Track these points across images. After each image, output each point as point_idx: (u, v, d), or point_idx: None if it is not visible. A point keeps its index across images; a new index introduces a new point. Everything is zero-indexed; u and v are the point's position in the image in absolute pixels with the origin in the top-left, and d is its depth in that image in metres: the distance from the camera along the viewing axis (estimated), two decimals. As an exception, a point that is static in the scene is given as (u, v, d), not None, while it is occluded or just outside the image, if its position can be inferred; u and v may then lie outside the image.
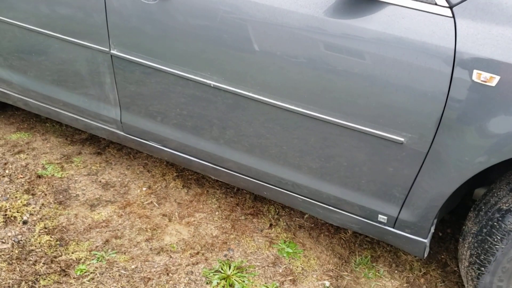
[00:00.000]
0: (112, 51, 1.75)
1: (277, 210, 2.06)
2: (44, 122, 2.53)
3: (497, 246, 1.34)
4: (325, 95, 1.44)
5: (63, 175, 2.12)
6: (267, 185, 1.78)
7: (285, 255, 1.83)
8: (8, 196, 1.96)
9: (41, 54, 1.95)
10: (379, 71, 1.33)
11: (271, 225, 1.98)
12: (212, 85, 1.61)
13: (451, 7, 1.26)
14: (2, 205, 1.90)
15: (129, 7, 1.63)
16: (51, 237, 1.78)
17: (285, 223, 1.99)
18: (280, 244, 1.88)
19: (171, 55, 1.64)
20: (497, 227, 1.34)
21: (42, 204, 1.94)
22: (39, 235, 1.78)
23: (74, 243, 1.77)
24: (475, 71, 1.24)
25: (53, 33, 1.86)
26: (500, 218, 1.34)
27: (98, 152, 2.32)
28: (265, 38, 1.45)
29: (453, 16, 1.26)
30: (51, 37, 1.87)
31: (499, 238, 1.33)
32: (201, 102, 1.69)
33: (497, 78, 1.21)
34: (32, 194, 1.99)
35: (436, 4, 1.27)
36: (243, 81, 1.55)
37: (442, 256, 1.91)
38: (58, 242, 1.77)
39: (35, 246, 1.73)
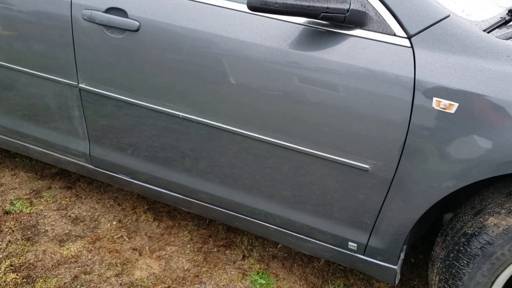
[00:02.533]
0: (80, 85, 1.75)
1: (250, 241, 2.05)
2: (13, 157, 2.49)
3: (463, 271, 1.35)
4: (293, 125, 1.46)
5: (31, 211, 2.08)
6: (240, 215, 1.77)
7: (258, 286, 1.81)
8: (-28, 234, 1.91)
9: (9, 88, 1.94)
10: (343, 101, 1.36)
11: (244, 256, 1.96)
12: (181, 116, 1.62)
13: (409, 38, 1.31)
14: (-34, 244, 1.85)
15: (97, 41, 1.65)
16: (17, 274, 1.73)
17: (258, 254, 1.98)
18: (253, 276, 1.86)
19: (140, 88, 1.64)
20: (463, 251, 1.36)
21: (9, 241, 1.89)
22: (4, 273, 1.73)
23: (41, 280, 1.72)
24: (434, 99, 1.27)
25: (20, 68, 1.85)
26: (466, 243, 1.36)
27: (68, 187, 2.28)
28: (233, 70, 1.47)
29: (412, 46, 1.30)
30: (18, 71, 1.86)
31: (465, 262, 1.35)
32: (172, 133, 1.69)
33: (456, 105, 1.25)
34: (-1, 231, 1.94)
35: (395, 35, 1.32)
36: (214, 112, 1.56)
37: (415, 282, 1.92)
38: (24, 280, 1.71)
39: (0, 285, 1.67)
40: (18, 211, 2.07)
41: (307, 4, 1.25)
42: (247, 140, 1.56)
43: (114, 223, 2.06)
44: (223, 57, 1.48)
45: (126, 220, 2.09)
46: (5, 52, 1.85)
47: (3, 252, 1.83)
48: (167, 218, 2.13)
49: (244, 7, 1.46)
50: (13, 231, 1.95)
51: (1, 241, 1.88)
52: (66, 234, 1.97)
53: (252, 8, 1.24)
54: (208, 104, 1.56)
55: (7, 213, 2.05)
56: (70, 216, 2.07)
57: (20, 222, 2.00)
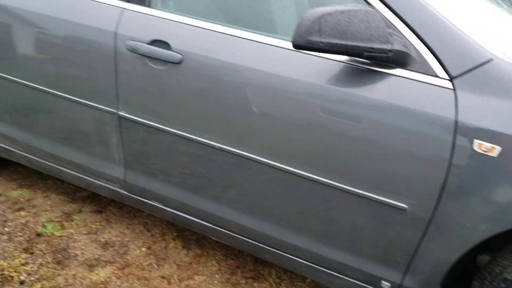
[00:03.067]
0: (120, 112, 1.79)
1: (278, 274, 2.03)
2: (45, 179, 2.54)
3: (504, 317, 1.32)
4: (327, 159, 1.47)
5: (62, 234, 2.10)
6: (269, 248, 1.77)
7: (286, 321, 1.79)
8: (6, 254, 1.93)
9: (48, 113, 1.99)
10: (382, 138, 1.37)
11: (272, 289, 1.94)
12: (217, 147, 1.64)
13: (451, 79, 1.31)
14: (0, 264, 1.87)
15: (139, 72, 1.69)
16: (47, 298, 1.75)
17: None
18: (281, 310, 1.84)
19: (177, 117, 1.67)
20: (504, 297, 1.33)
21: (41, 264, 1.91)
22: (35, 296, 1.75)
23: (70, 305, 1.73)
24: (476, 141, 1.27)
25: (61, 93, 1.90)
26: (506, 288, 1.33)
27: (98, 211, 2.31)
28: (271, 104, 1.49)
29: (454, 88, 1.31)
30: (59, 97, 1.91)
31: (506, 308, 1.32)
32: (203, 162, 1.71)
33: (498, 148, 1.25)
34: (31, 253, 1.96)
35: (437, 76, 1.33)
36: (246, 143, 1.58)
37: (447, 325, 1.87)
38: (54, 304, 1.73)
39: (31, 308, 1.69)
40: (49, 233, 2.10)
41: (352, 44, 1.27)
42: (277, 171, 1.57)
43: (144, 249, 2.07)
44: (261, 91, 1.50)
45: (155, 247, 2.10)
46: (48, 78, 1.91)
47: (34, 275, 1.85)
48: (196, 247, 2.13)
49: (285, 43, 1.49)
50: (44, 253, 1.97)
51: (33, 264, 1.90)
52: (95, 259, 1.98)
53: (297, 46, 1.27)
54: (241, 135, 1.57)
55: (39, 235, 2.08)
56: (100, 241, 2.09)
57: (51, 245, 2.03)
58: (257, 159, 1.58)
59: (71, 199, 2.38)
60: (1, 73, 2.02)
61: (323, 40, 1.25)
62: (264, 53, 1.51)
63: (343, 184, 1.47)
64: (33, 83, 1.95)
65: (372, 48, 1.29)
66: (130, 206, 2.33)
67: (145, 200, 1.95)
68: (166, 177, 1.83)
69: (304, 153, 1.50)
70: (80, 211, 2.29)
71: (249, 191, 1.67)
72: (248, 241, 1.80)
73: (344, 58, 1.42)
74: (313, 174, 1.51)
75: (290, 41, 1.48)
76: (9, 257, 1.92)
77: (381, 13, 1.38)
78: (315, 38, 1.25)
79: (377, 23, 1.29)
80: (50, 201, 2.34)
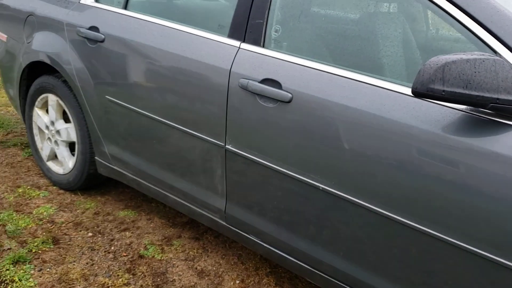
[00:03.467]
0: (227, 146, 1.84)
1: (373, 324, 1.93)
2: (150, 201, 2.67)
3: None
4: (435, 210, 1.38)
5: (162, 258, 2.19)
6: (366, 296, 1.69)
7: None
8: (111, 273, 2.05)
9: (159, 140, 2.11)
10: (505, 195, 1.26)
11: None
12: (321, 188, 1.62)
13: None
14: (105, 282, 1.98)
15: (249, 108, 1.74)
16: (145, 320, 1.81)
17: None
18: None
19: (284, 156, 1.69)
20: None
21: (141, 286, 1.99)
22: (134, 317, 1.82)
23: (166, 330, 1.78)
24: None
25: (173, 123, 2.01)
26: None
27: (196, 237, 2.37)
28: (380, 147, 1.45)
29: None
30: (171, 126, 2.02)
31: None
32: (302, 200, 1.69)
33: None
34: (133, 274, 2.06)
35: None
36: (347, 184, 1.55)
37: None
38: (151, 327, 1.78)
39: (130, 329, 1.76)
40: (150, 256, 2.19)
41: (476, 94, 1.20)
42: (374, 215, 1.51)
43: (237, 282, 2.09)
44: (372, 135, 1.47)
45: (249, 281, 2.10)
46: (163, 108, 2.03)
47: (135, 295, 1.93)
48: (289, 285, 2.10)
49: (400, 88, 1.46)
50: (145, 276, 2.06)
51: (134, 285, 1.99)
52: (191, 286, 2.03)
53: (417, 94, 1.23)
54: (347, 177, 1.54)
55: (141, 257, 2.18)
56: (196, 268, 2.14)
57: (152, 268, 2.11)
58: (357, 201, 1.54)
59: (172, 223, 2.48)
60: (122, 101, 2.18)
61: (446, 89, 1.20)
62: (378, 96, 1.48)
63: (450, 237, 1.38)
64: (149, 113, 2.09)
65: (498, 99, 1.22)
66: (226, 236, 2.37)
67: (242, 233, 1.97)
68: (264, 211, 1.84)
69: (409, 201, 1.43)
70: (179, 236, 2.37)
71: (345, 234, 1.63)
72: (343, 286, 1.74)
73: (464, 107, 1.35)
74: (414, 222, 1.43)
75: (409, 86, 1.44)
76: (114, 276, 2.03)
77: (509, 62, 1.30)
78: (437, 87, 1.20)
79: (506, 73, 1.22)
80: (153, 224, 2.46)
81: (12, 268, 2.01)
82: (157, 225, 2.45)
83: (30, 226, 2.34)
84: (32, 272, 2.01)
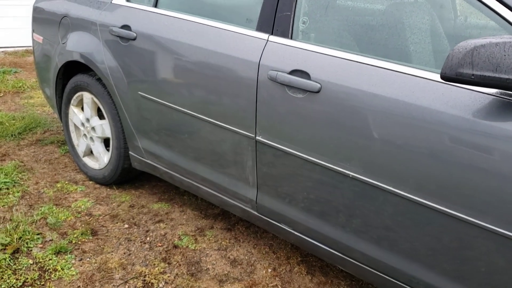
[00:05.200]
0: (257, 137, 1.89)
1: (405, 311, 1.95)
2: (182, 194, 2.74)
3: None
4: (464, 195, 1.39)
5: (196, 248, 2.25)
6: (397, 282, 1.71)
7: None
8: (147, 262, 2.12)
9: (191, 134, 2.17)
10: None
11: (399, 326, 1.87)
12: (351, 176, 1.65)
13: None
14: (142, 271, 2.06)
15: (278, 100, 1.77)
16: (181, 307, 1.87)
17: (414, 327, 1.87)
18: None
19: (314, 145, 1.72)
20: None
21: (177, 274, 2.06)
22: (171, 304, 1.88)
23: (202, 316, 1.84)
24: None
25: (203, 117, 2.06)
26: None
27: (228, 228, 2.43)
28: (409, 134, 1.47)
29: None
30: (201, 120, 2.08)
31: None
32: (332, 188, 1.72)
33: None
34: (168, 263, 2.12)
35: None
36: (376, 171, 1.57)
37: None
38: (187, 314, 1.84)
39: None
40: (184, 246, 2.26)
41: (506, 77, 1.21)
42: (405, 202, 1.52)
43: (269, 270, 2.13)
44: (402, 122, 1.49)
45: (281, 269, 2.14)
46: (193, 102, 2.08)
47: (171, 284, 2.00)
48: (320, 274, 2.13)
49: (429, 74, 1.47)
50: (180, 265, 2.12)
51: (170, 273, 2.06)
52: (225, 275, 2.08)
53: (446, 78, 1.24)
54: (376, 165, 1.56)
55: (175, 247, 2.25)
56: (229, 258, 2.20)
57: (186, 257, 2.18)
58: (387, 188, 1.56)
59: (204, 215, 2.54)
60: (154, 97, 2.25)
61: (475, 72, 1.21)
62: (406, 84, 1.49)
63: (481, 221, 1.38)
64: (180, 107, 2.15)
65: (529, 81, 1.22)
66: (257, 226, 2.42)
67: (273, 222, 2.01)
68: (295, 201, 1.88)
69: (435, 184, 1.44)
70: (212, 227, 2.43)
71: (376, 221, 1.65)
72: (375, 273, 1.76)
73: (494, 91, 1.36)
74: (444, 207, 1.44)
75: (438, 72, 1.45)
76: (150, 265, 2.11)
77: (540, 44, 1.30)
78: (466, 71, 1.21)
79: (536, 55, 1.22)
80: (186, 216, 2.52)
81: (55, 258, 2.10)
82: (190, 217, 2.52)
83: (69, 218, 2.44)
84: (73, 261, 2.10)
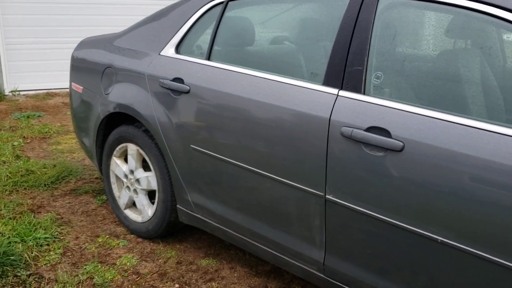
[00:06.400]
0: (327, 196, 1.79)
1: None
2: (228, 248, 2.63)
3: None
4: None
5: (253, 310, 2.13)
6: None
7: None
8: (206, 328, 1.99)
9: (249, 189, 2.08)
10: None
11: None
12: (439, 241, 1.54)
13: None
14: (203, 338, 1.93)
15: (353, 157, 1.69)
16: None
17: None
18: None
19: (393, 206, 1.62)
20: None
21: None
22: None
23: None
24: None
25: (265, 172, 1.98)
26: None
27: (283, 287, 2.30)
28: (501, 195, 1.38)
29: None
30: (263, 175, 1.99)
31: None
32: (423, 254, 1.61)
33: None
34: (228, 329, 2.00)
35: None
36: (468, 236, 1.46)
37: None
38: None
39: None
40: (241, 308, 2.13)
41: None
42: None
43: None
44: (502, 185, 1.39)
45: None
46: (254, 157, 2.00)
47: None
48: None
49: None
50: (239, 330, 1.99)
51: None
52: None
53: None
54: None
55: (232, 309, 2.12)
56: (290, 321, 2.07)
57: (245, 320, 2.05)
58: (485, 256, 1.45)
59: (255, 272, 2.42)
60: (208, 150, 2.17)
61: None
62: (503, 145, 1.41)
63: None
64: (238, 161, 2.07)
65: None
66: (315, 286, 2.29)
67: (342, 285, 1.89)
68: (368, 265, 1.77)
69: None
70: (266, 287, 2.30)
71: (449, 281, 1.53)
72: None
73: None
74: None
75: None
76: (209, 330, 1.98)
77: None
78: None
79: None
80: (237, 273, 2.40)
81: (108, 325, 1.98)
82: (241, 274, 2.40)
83: (116, 278, 2.32)
84: (127, 328, 1.98)
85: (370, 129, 1.66)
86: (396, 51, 1.76)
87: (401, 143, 1.58)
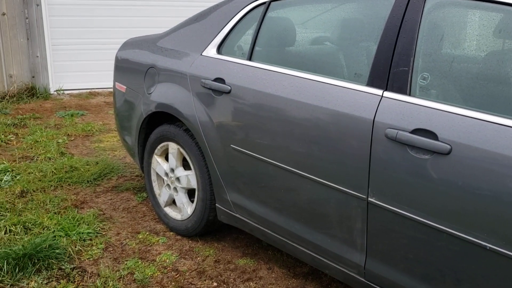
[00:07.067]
0: (369, 199, 1.77)
1: None
2: (266, 249, 2.63)
3: None
4: None
5: (291, 311, 2.12)
6: None
7: None
8: (245, 327, 2.00)
9: (290, 191, 2.07)
10: None
11: None
12: (488, 248, 1.49)
13: None
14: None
15: (397, 160, 1.66)
16: None
17: None
18: None
19: (439, 210, 1.58)
20: None
21: None
22: None
23: None
24: None
25: (306, 174, 1.97)
26: None
27: (321, 290, 2.29)
28: None
29: None
30: (304, 177, 1.98)
31: None
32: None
33: None
34: (266, 329, 2.00)
35: None
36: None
37: None
38: None
39: None
40: (279, 309, 2.12)
41: None
42: None
43: None
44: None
45: None
46: (295, 158, 1.99)
47: None
48: None
49: None
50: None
51: None
52: None
53: None
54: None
55: (270, 309, 2.12)
56: (328, 324, 2.05)
57: (283, 322, 2.04)
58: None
59: (293, 274, 2.41)
60: (248, 150, 2.18)
61: None
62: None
63: None
64: (279, 162, 2.06)
65: None
66: (353, 289, 2.26)
67: (384, 290, 1.86)
68: (411, 270, 1.73)
69: None
70: (304, 288, 2.29)
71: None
72: None
73: None
74: None
75: None
76: (247, 330, 1.98)
77: None
78: None
79: None
80: (274, 274, 2.40)
81: (148, 320, 2.02)
82: (278, 275, 2.39)
83: (156, 274, 2.36)
84: (166, 324, 2.01)
85: (416, 131, 1.62)
86: (443, 51, 1.71)
87: (448, 146, 1.53)
